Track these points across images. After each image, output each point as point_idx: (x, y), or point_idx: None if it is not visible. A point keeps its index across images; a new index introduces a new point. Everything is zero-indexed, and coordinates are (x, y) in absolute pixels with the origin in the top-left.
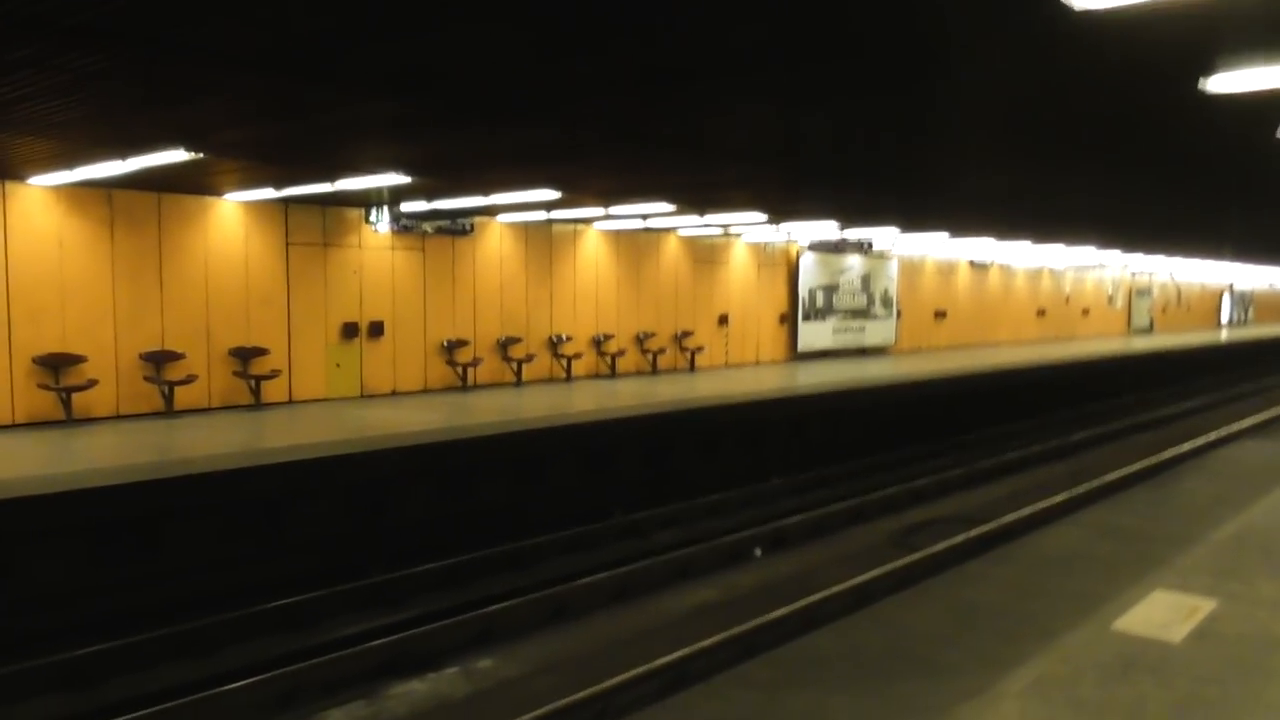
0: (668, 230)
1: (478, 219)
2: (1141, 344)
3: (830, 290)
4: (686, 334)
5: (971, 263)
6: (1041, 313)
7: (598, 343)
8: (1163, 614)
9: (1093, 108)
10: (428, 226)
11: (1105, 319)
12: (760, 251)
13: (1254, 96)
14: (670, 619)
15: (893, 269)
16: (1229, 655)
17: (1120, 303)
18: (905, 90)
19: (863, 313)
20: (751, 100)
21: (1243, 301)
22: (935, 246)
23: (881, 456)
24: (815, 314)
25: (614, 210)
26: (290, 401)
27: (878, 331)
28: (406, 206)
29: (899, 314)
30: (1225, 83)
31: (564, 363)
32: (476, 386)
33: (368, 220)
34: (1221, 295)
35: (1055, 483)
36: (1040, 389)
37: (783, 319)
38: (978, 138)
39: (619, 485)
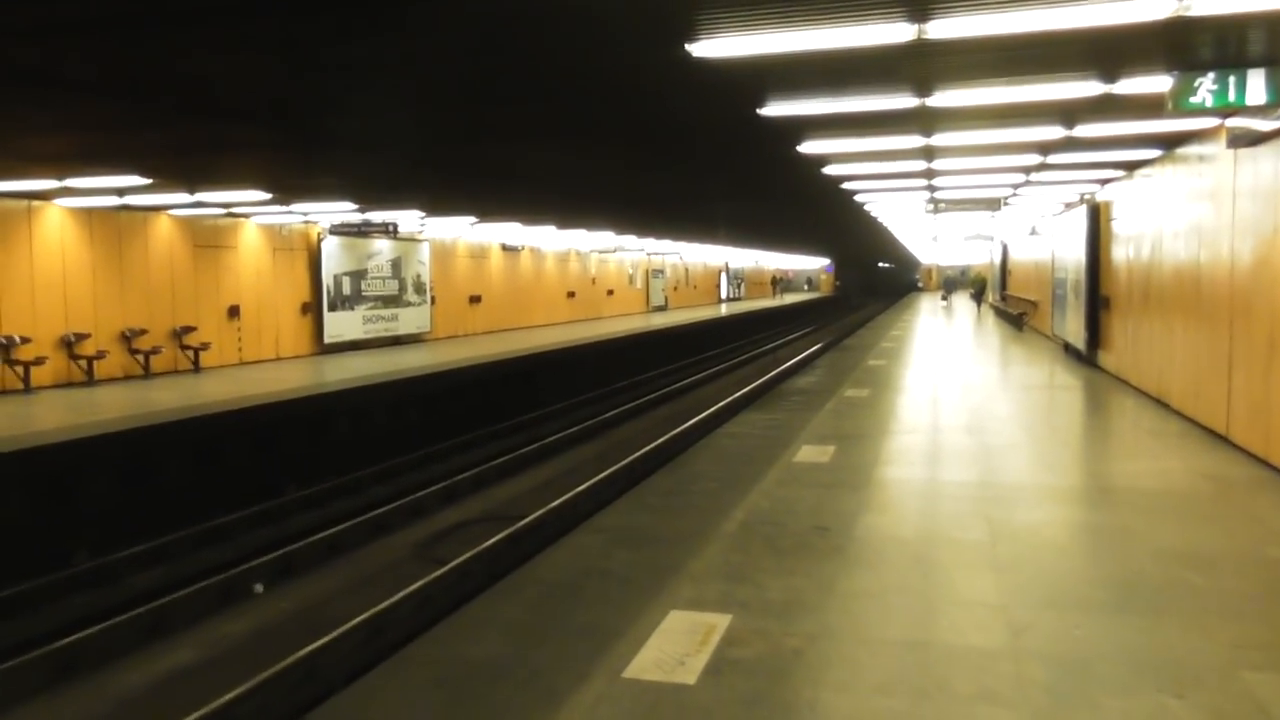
0: (156, 209)
1: None
2: (659, 320)
3: (358, 276)
4: (188, 329)
5: (504, 246)
6: (571, 295)
7: (69, 344)
8: (678, 644)
9: (576, 83)
10: None
11: (627, 299)
12: (276, 235)
13: (736, 66)
14: (124, 699)
15: (424, 253)
16: (744, 692)
17: (640, 283)
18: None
19: (395, 300)
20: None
21: (736, 279)
22: (467, 231)
23: (412, 453)
24: (343, 302)
25: (73, 183)
26: None
27: (412, 319)
28: None
29: (433, 300)
30: (708, 49)
31: (19, 370)
32: None
33: None
34: (720, 274)
35: (583, 468)
36: (572, 368)
37: (305, 309)
38: (489, 113)
39: (86, 521)
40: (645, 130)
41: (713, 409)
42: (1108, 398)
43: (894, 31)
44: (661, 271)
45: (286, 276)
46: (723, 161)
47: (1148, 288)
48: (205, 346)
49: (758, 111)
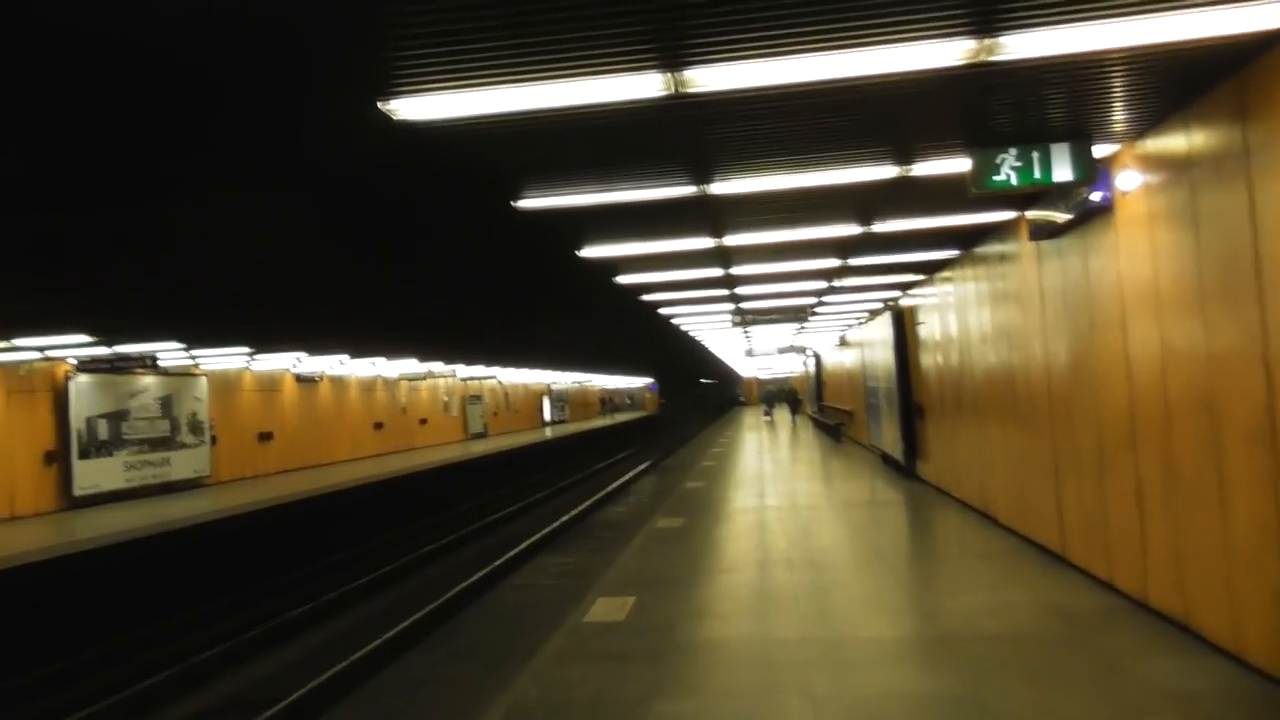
0: None
1: None
2: (478, 448)
3: (118, 418)
4: None
5: (298, 378)
6: (379, 426)
7: None
8: None
9: (410, 224)
10: None
11: (442, 427)
12: (12, 375)
13: (465, 134)
14: None
15: (202, 389)
16: None
17: (456, 410)
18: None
19: (166, 442)
20: None
21: (560, 401)
22: (255, 362)
23: (162, 623)
24: (98, 449)
25: None
26: None
27: (187, 462)
28: None
29: (214, 440)
30: (413, 109)
31: None
32: None
33: None
34: (542, 397)
35: (367, 628)
36: (371, 508)
37: (50, 458)
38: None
39: None
40: (376, 226)
41: (500, 560)
42: (931, 513)
43: (645, 85)
44: (479, 397)
45: (24, 422)
46: (500, 274)
47: (960, 394)
48: None
49: (514, 204)
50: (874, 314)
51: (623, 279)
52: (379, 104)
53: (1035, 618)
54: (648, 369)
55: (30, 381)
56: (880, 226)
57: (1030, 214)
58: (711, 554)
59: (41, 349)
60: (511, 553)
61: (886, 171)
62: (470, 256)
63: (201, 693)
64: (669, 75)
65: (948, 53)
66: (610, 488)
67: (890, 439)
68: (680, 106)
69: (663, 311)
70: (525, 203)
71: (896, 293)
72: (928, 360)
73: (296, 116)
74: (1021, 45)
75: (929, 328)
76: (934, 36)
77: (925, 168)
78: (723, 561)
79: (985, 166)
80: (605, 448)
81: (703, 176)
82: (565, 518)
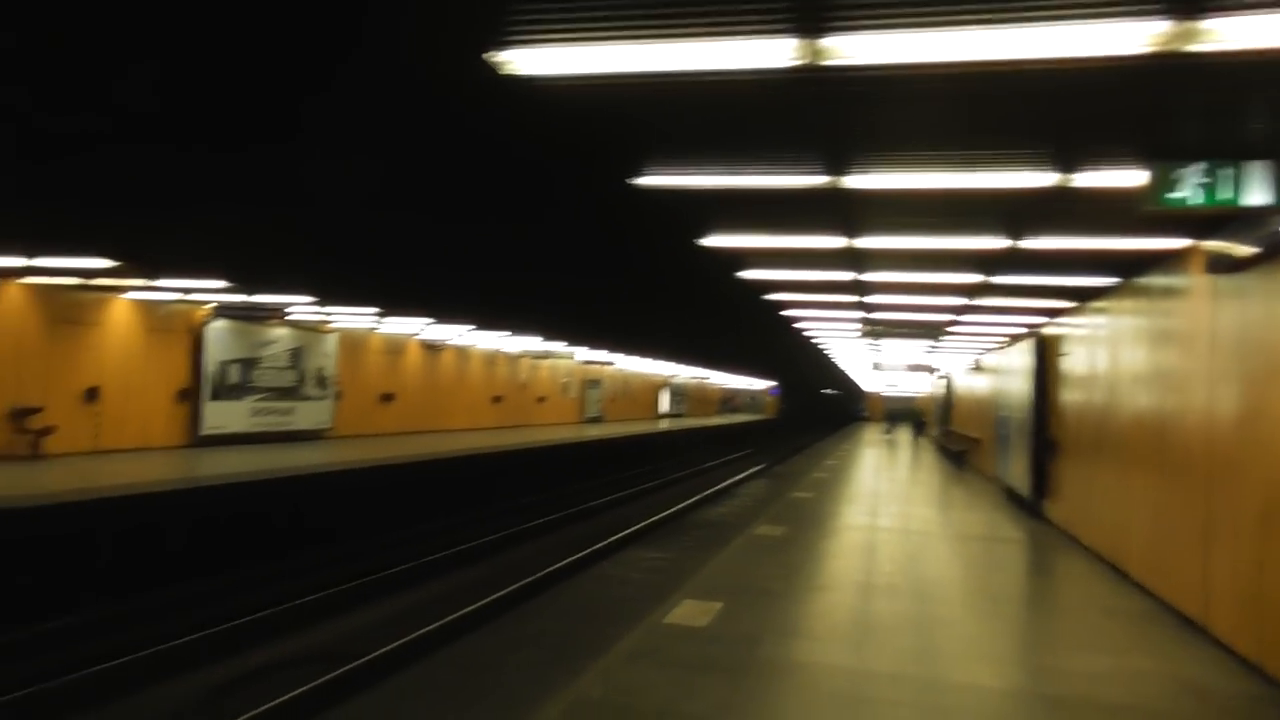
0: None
1: None
2: (593, 432)
3: (249, 365)
4: (29, 411)
5: (424, 343)
6: (498, 399)
7: None
8: None
9: (528, 192)
10: None
11: (560, 407)
12: (153, 314)
13: (579, 93)
14: None
15: (330, 345)
16: None
17: (574, 392)
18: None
19: (291, 392)
20: None
21: (678, 395)
22: (383, 324)
23: (264, 566)
24: (228, 392)
25: None
26: None
27: (310, 414)
28: None
29: (338, 395)
30: (524, 61)
31: None
32: None
33: None
34: (660, 389)
35: (459, 595)
36: (484, 478)
37: (184, 396)
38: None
39: None
40: (489, 194)
41: (590, 548)
42: (1055, 558)
43: (777, 51)
44: (598, 381)
45: (162, 359)
46: (619, 257)
47: (1102, 435)
48: (50, 430)
49: (631, 182)
50: (1014, 339)
51: (745, 274)
52: (484, 55)
53: (1165, 692)
54: (769, 372)
55: (170, 321)
56: (1030, 243)
57: (1208, 243)
58: (810, 569)
59: (183, 291)
60: (602, 543)
61: (1045, 179)
62: (588, 236)
63: (289, 641)
64: (805, 42)
65: (1135, 36)
66: (716, 487)
67: (1018, 473)
68: (817, 81)
69: (786, 314)
70: (644, 180)
71: (1041, 319)
72: (1068, 395)
73: (400, 64)
74: (1230, 32)
75: (1074, 360)
76: (1120, 15)
77: (1090, 178)
78: (821, 578)
79: (1163, 180)
80: (718, 447)
81: (836, 166)
82: (665, 513)
